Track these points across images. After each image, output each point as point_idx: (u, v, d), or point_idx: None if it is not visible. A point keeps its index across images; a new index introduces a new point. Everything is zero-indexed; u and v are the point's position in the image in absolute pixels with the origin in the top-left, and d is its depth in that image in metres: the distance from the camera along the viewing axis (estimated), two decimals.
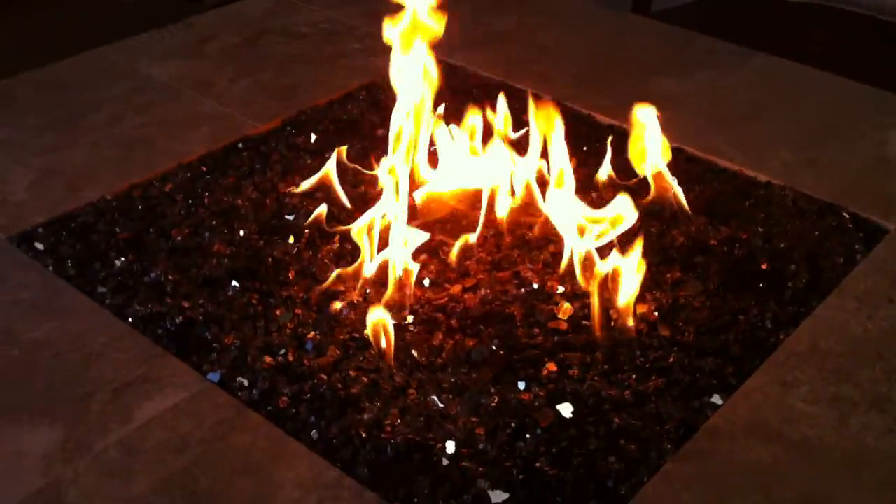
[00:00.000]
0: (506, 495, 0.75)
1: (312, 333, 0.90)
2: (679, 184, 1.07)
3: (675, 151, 1.17)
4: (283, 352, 0.88)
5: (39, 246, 1.01)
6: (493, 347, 0.89)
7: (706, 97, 1.33)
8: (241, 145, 1.19)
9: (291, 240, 1.02)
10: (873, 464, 0.79)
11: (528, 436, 0.81)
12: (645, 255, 0.91)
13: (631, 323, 0.91)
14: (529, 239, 1.03)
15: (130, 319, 0.92)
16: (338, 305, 0.92)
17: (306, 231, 1.02)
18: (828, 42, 1.85)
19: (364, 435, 0.80)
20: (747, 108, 1.30)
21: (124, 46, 1.41)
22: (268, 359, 0.87)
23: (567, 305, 0.94)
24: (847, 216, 1.09)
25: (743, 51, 1.45)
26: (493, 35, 1.47)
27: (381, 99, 1.27)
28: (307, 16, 1.52)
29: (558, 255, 0.99)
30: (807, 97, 1.33)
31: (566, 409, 0.83)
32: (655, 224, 1.06)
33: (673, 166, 1.08)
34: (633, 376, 0.87)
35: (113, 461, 0.78)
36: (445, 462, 0.78)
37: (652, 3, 1.97)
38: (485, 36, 1.46)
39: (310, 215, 1.03)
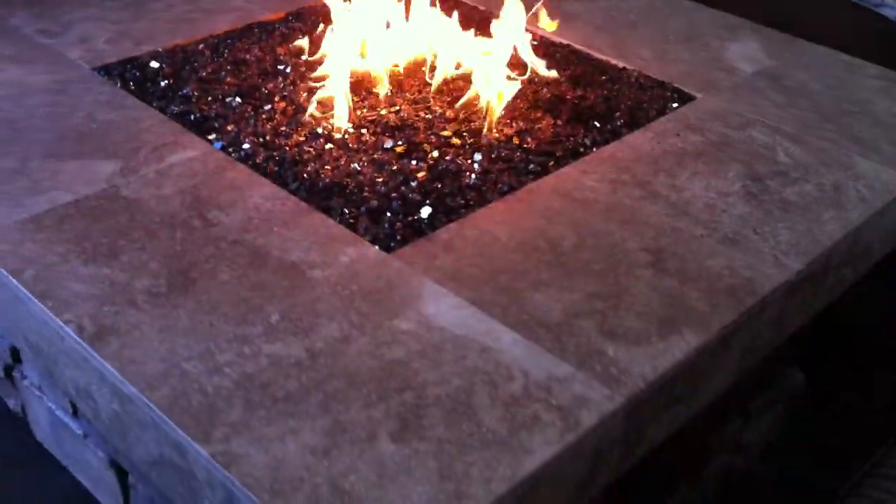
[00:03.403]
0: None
1: (284, 128, 1.39)
2: (559, 66, 1.54)
3: (565, 47, 1.65)
4: (264, 137, 1.37)
5: (113, 73, 1.51)
6: (400, 143, 1.37)
7: (600, 15, 1.79)
8: (255, 28, 1.68)
9: (280, 79, 1.51)
10: (622, 210, 1.25)
11: (411, 183, 1.28)
12: (519, 100, 1.38)
13: (494, 133, 1.38)
14: (444, 85, 1.50)
15: (168, 114, 1.41)
16: (304, 116, 1.41)
17: (290, 74, 1.51)
18: None
19: (305, 177, 1.28)
20: (629, 24, 1.76)
21: None
22: (253, 139, 1.36)
23: (455, 125, 1.41)
24: (671, 89, 1.55)
25: None
26: None
27: None
28: None
29: (460, 96, 1.46)
30: (677, 19, 1.78)
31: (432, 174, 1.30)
32: (534, 85, 1.53)
33: (560, 55, 1.55)
34: (485, 163, 1.34)
35: (150, 179, 1.27)
36: (356, 192, 1.26)
37: None
38: None
39: (296, 68, 1.51)
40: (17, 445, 1.55)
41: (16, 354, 1.58)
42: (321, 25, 1.63)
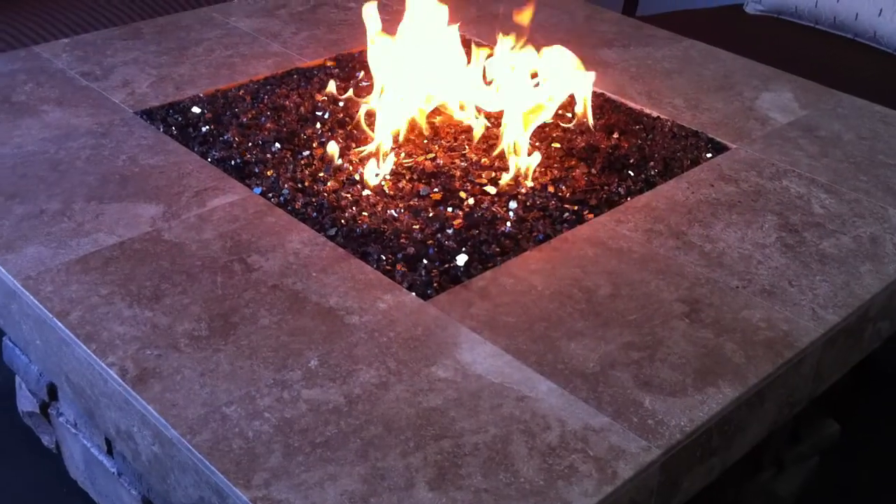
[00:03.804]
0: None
1: (322, 174, 1.41)
2: (593, 114, 1.56)
3: (599, 95, 1.67)
4: (302, 182, 1.39)
5: (155, 117, 1.54)
6: (436, 189, 1.38)
7: (634, 64, 1.81)
8: (294, 73, 1.71)
9: (318, 125, 1.53)
10: (657, 260, 1.26)
11: (447, 231, 1.29)
12: (553, 150, 1.40)
13: (530, 182, 1.40)
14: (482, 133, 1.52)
15: (209, 159, 1.43)
16: (339, 161, 1.43)
17: (328, 120, 1.54)
18: (741, 33, 2.30)
19: (343, 222, 1.30)
20: (662, 72, 1.78)
21: (221, 7, 1.95)
22: (291, 184, 1.38)
23: (491, 173, 1.43)
24: (705, 139, 1.56)
25: (676, 37, 1.92)
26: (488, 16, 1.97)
27: None
28: None
29: (495, 144, 1.48)
30: (710, 67, 1.80)
31: (468, 221, 1.32)
32: (569, 133, 1.54)
33: (595, 103, 1.56)
34: (520, 211, 1.35)
35: (192, 223, 1.29)
36: (392, 238, 1.27)
37: (636, 9, 2.46)
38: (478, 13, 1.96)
39: (333, 114, 1.54)
40: (52, 482, 1.57)
41: (53, 392, 1.60)
42: (360, 74, 1.66)
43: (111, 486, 1.51)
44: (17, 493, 1.59)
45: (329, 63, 1.75)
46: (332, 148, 1.43)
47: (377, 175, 1.38)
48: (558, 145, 1.50)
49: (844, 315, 1.17)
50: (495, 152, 1.46)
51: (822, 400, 1.59)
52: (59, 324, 1.10)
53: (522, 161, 1.40)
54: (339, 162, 1.43)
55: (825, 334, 1.14)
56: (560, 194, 1.39)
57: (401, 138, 1.48)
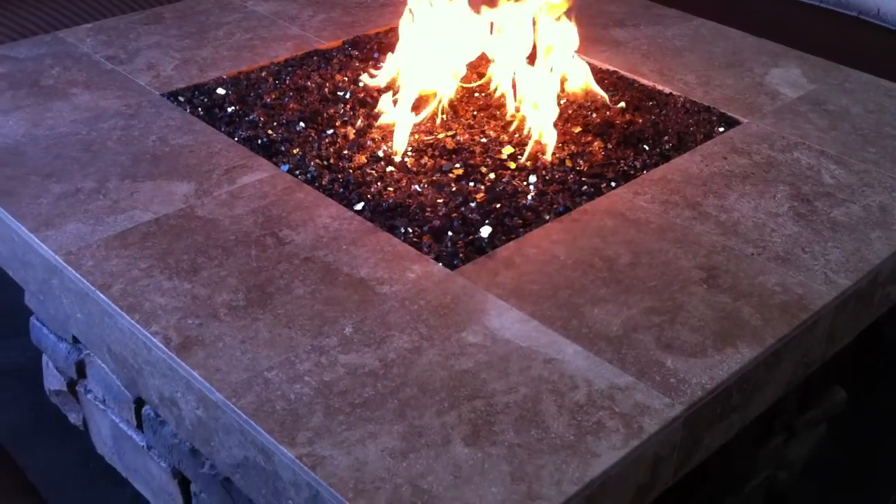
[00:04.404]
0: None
1: (347, 152, 1.45)
2: (607, 91, 1.60)
3: (612, 73, 1.71)
4: (328, 159, 1.43)
5: (181, 98, 1.58)
6: (458, 165, 1.43)
7: (645, 42, 1.84)
8: (313, 55, 1.75)
9: (340, 105, 1.58)
10: (674, 229, 1.30)
11: (470, 204, 1.34)
12: (572, 125, 1.44)
13: (549, 157, 1.44)
14: (497, 109, 1.56)
15: (236, 138, 1.48)
16: (365, 140, 1.47)
17: (350, 100, 1.58)
18: (749, 12, 2.34)
19: (370, 197, 1.34)
20: (673, 50, 1.82)
21: None
22: (317, 162, 1.42)
23: (509, 148, 1.47)
24: (717, 114, 1.60)
25: (686, 16, 1.96)
26: None
27: None
28: None
29: (513, 120, 1.52)
30: (720, 45, 1.84)
31: (490, 195, 1.36)
32: (584, 110, 1.59)
33: (609, 81, 1.61)
34: (540, 185, 1.39)
35: (223, 200, 1.33)
36: (418, 212, 1.32)
37: None
38: None
39: (354, 94, 1.58)
40: (79, 459, 1.62)
41: (81, 369, 1.65)
42: (377, 54, 1.70)
43: (140, 460, 1.56)
44: (45, 470, 1.63)
45: (347, 45, 1.79)
46: (354, 127, 1.47)
47: (400, 151, 1.43)
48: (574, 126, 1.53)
49: (856, 279, 1.22)
50: (512, 127, 1.50)
51: (831, 367, 1.64)
52: (102, 296, 1.14)
53: (539, 122, 1.44)
54: (362, 139, 1.47)
55: (837, 297, 1.19)
56: (578, 168, 1.43)
57: (422, 117, 1.52)
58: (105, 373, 1.56)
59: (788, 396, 1.57)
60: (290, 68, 1.69)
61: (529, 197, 1.36)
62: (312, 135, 1.49)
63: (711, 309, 1.15)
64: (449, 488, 0.91)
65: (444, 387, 1.03)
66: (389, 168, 1.41)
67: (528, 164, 1.42)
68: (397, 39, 1.79)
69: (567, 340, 1.09)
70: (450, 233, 1.27)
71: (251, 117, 1.52)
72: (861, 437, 1.79)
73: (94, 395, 1.61)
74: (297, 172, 1.40)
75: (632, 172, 1.43)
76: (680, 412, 1.01)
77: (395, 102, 1.49)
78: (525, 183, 1.39)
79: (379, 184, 1.37)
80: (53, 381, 1.78)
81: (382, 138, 1.47)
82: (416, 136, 1.48)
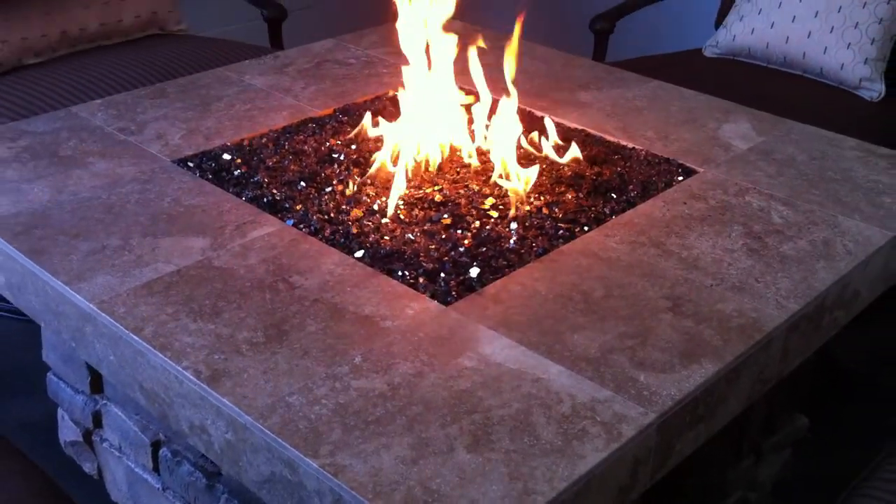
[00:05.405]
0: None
1: (345, 206, 1.61)
2: (579, 148, 1.77)
3: (581, 131, 1.89)
4: (329, 214, 1.58)
5: (190, 164, 1.73)
6: (446, 216, 1.58)
7: (609, 103, 2.03)
8: (308, 122, 1.92)
9: (335, 166, 1.74)
10: (641, 266, 1.46)
11: (459, 249, 1.49)
12: (545, 178, 1.61)
13: (527, 207, 1.60)
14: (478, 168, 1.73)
15: (244, 198, 1.63)
16: (353, 189, 1.63)
17: (344, 161, 1.74)
18: (702, 74, 2.54)
19: (368, 246, 1.50)
20: (634, 109, 2.00)
21: (235, 67, 2.16)
22: (319, 216, 1.57)
23: (491, 199, 1.63)
24: (676, 164, 1.78)
25: (644, 79, 2.15)
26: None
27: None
28: (353, 52, 2.26)
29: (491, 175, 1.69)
30: (676, 104, 2.02)
31: (476, 240, 1.52)
32: (556, 165, 1.75)
33: (577, 138, 1.78)
34: (521, 230, 1.55)
35: (236, 251, 1.48)
36: (413, 257, 1.47)
37: (605, 55, 2.70)
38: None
39: (347, 156, 1.74)
40: None
41: (98, 419, 1.77)
42: (365, 118, 1.87)
43: (155, 501, 1.68)
44: None
45: (338, 112, 1.96)
46: (351, 185, 1.63)
47: (393, 206, 1.58)
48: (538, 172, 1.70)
49: (804, 304, 1.38)
50: (492, 180, 1.67)
51: (792, 395, 1.80)
52: (136, 337, 1.28)
53: (515, 184, 1.61)
54: (358, 195, 1.63)
55: (788, 319, 1.35)
56: (554, 215, 1.59)
57: (410, 174, 1.68)
58: (122, 420, 1.69)
59: (753, 419, 1.73)
60: (288, 134, 1.85)
61: (512, 241, 1.51)
62: (313, 192, 1.64)
63: (677, 332, 1.31)
64: (455, 487, 1.05)
65: (446, 404, 1.17)
66: (384, 220, 1.56)
67: (510, 213, 1.58)
68: (383, 106, 1.97)
69: (551, 362, 1.24)
70: (442, 274, 1.43)
71: (256, 179, 1.68)
72: (824, 456, 1.94)
73: (110, 442, 1.73)
74: (302, 226, 1.55)
75: (602, 217, 1.59)
76: (653, 419, 1.16)
77: (394, 162, 1.65)
78: (507, 229, 1.54)
79: (375, 234, 1.52)
80: (69, 432, 1.90)
81: (376, 194, 1.63)
82: (407, 191, 1.64)
